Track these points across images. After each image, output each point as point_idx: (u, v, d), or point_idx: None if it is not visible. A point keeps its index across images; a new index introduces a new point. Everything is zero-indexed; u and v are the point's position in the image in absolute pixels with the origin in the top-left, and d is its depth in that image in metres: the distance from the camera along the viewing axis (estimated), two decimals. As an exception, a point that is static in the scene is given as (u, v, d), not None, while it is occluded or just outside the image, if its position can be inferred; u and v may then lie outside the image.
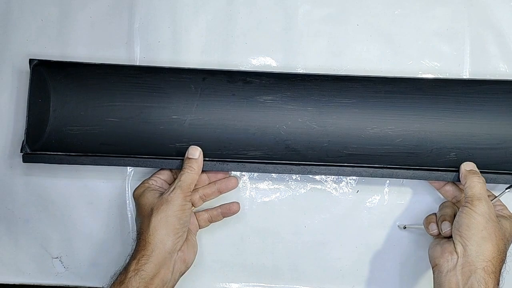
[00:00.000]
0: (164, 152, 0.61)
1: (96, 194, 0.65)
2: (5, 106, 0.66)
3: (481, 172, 0.58)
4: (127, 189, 0.65)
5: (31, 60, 0.61)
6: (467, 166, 0.58)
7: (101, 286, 0.64)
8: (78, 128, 0.62)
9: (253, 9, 0.65)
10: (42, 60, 0.61)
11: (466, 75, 0.64)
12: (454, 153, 0.60)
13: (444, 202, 0.61)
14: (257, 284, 0.65)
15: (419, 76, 0.63)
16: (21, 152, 0.61)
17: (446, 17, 0.64)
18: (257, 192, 0.65)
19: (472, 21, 0.64)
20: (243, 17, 0.65)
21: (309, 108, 0.61)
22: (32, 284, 0.67)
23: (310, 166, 0.60)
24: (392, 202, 0.64)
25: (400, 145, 0.61)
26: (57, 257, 0.66)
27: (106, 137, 0.62)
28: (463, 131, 0.60)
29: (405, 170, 0.59)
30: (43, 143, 0.61)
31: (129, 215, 0.65)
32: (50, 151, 0.61)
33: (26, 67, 0.61)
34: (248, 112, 0.62)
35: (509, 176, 0.58)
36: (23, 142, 0.61)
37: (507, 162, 0.60)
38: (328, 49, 0.65)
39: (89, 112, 0.62)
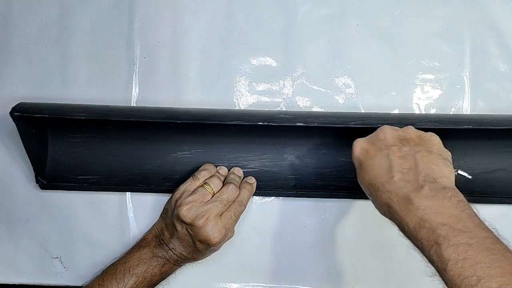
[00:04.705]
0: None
1: (96, 194, 0.65)
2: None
3: None
4: (127, 189, 0.65)
5: (12, 112, 0.57)
6: None
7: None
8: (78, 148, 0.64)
9: (253, 9, 0.65)
10: (24, 115, 0.57)
11: (466, 75, 0.64)
12: None
13: None
14: (257, 284, 0.65)
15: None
16: (36, 183, 0.63)
17: (446, 17, 0.64)
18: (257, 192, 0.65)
19: (472, 21, 0.64)
20: (243, 17, 0.65)
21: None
22: (32, 284, 0.67)
23: None
24: (392, 202, 0.64)
25: None
26: (57, 257, 0.66)
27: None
28: None
29: None
30: (52, 167, 0.63)
31: (129, 215, 0.65)
32: (60, 171, 0.63)
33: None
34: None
35: None
36: (36, 176, 0.62)
37: None
38: (328, 49, 0.65)
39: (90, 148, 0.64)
